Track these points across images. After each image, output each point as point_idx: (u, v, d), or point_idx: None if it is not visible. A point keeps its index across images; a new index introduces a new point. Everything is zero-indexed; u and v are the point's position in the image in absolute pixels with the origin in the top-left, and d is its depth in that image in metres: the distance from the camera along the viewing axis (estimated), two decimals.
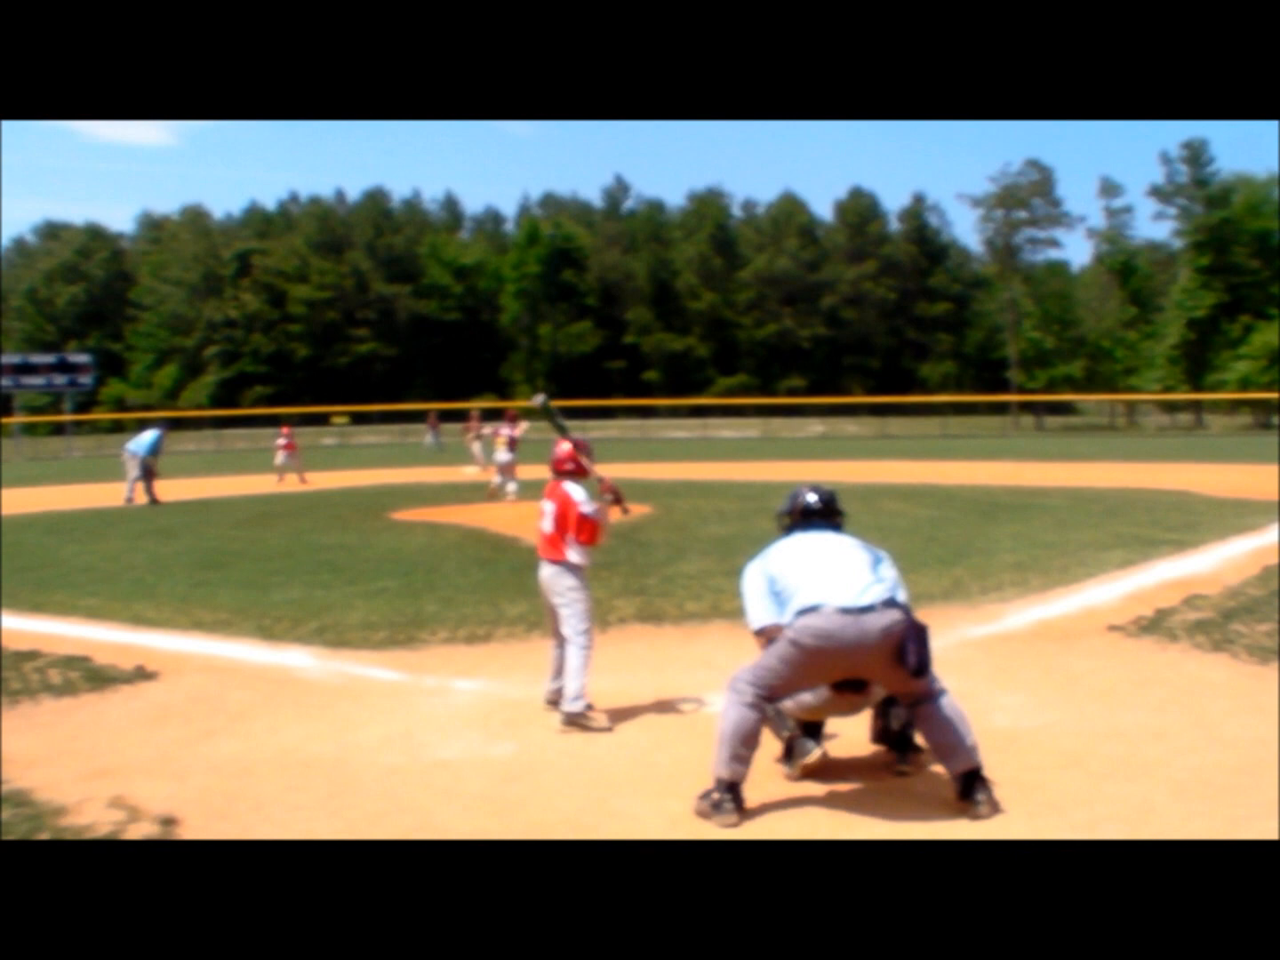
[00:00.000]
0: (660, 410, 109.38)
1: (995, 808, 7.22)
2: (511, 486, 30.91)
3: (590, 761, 8.57)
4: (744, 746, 7.34)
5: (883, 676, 7.43)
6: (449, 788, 8.00)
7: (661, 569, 17.44)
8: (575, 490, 9.86)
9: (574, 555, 9.77)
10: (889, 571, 7.72)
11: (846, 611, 7.23)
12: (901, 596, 7.63)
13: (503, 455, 31.65)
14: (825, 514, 8.10)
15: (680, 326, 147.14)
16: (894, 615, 7.26)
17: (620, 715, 9.69)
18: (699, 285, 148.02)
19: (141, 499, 33.11)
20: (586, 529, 9.75)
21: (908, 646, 7.20)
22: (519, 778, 8.21)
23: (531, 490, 28.40)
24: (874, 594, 7.34)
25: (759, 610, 7.74)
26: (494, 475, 32.42)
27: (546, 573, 9.87)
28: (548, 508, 9.94)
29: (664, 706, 10.02)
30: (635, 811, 7.40)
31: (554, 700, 9.82)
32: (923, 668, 7.26)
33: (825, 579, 7.43)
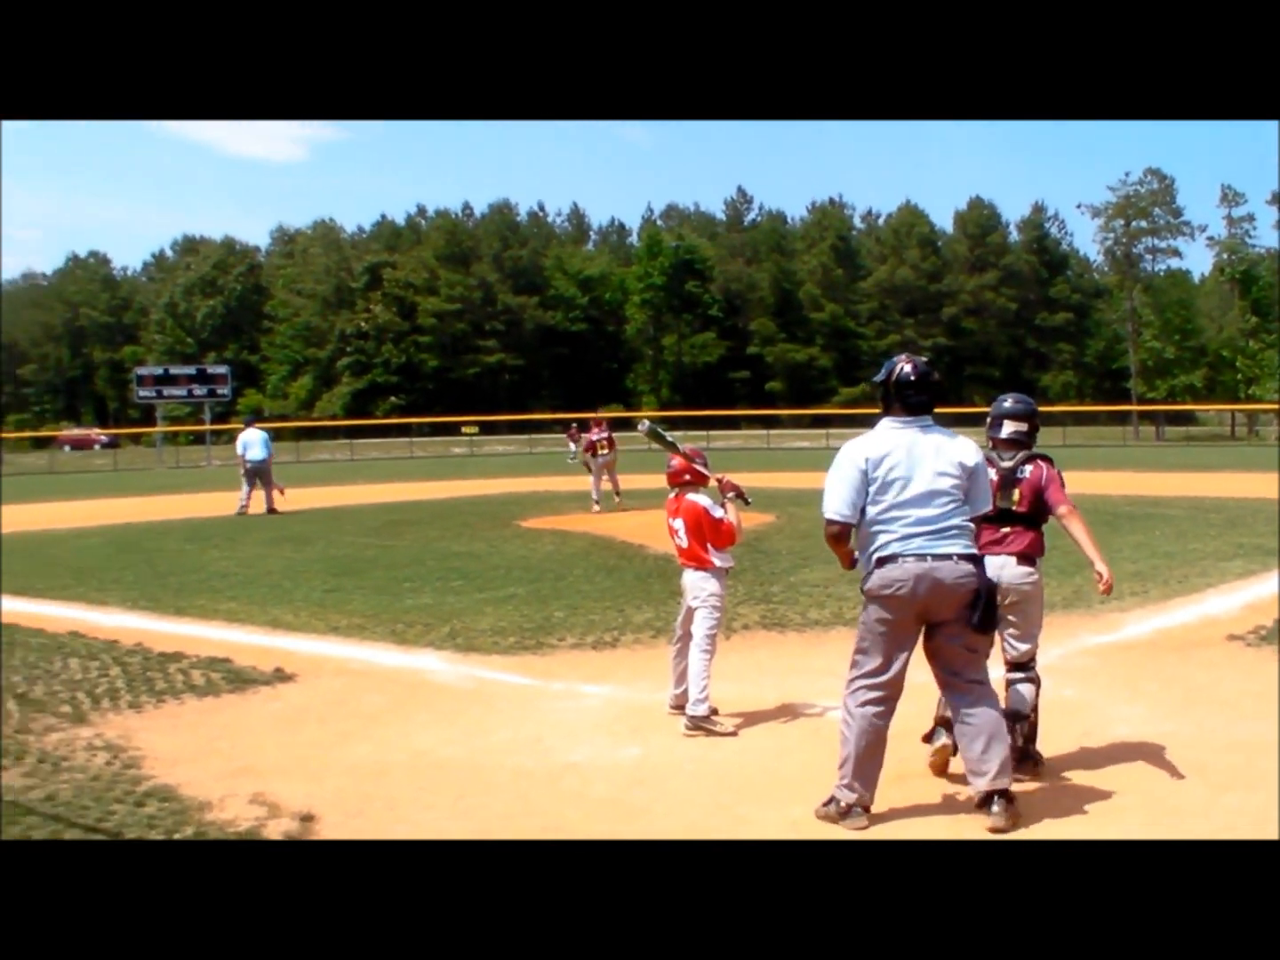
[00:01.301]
0: (783, 420, 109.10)
1: (1011, 820, 7.13)
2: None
3: (714, 767, 8.61)
4: (869, 764, 7.30)
5: (945, 628, 7.32)
6: (577, 791, 8.08)
7: (785, 577, 17.43)
8: (700, 498, 9.92)
9: (718, 560, 9.84)
10: (979, 489, 7.52)
11: (921, 558, 7.16)
12: (982, 508, 7.56)
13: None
14: (922, 388, 7.50)
15: (803, 337, 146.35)
16: (967, 569, 7.20)
17: (744, 721, 9.72)
18: (821, 296, 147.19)
19: (259, 507, 32.50)
20: (724, 533, 9.83)
21: (978, 603, 7.21)
22: (645, 782, 8.27)
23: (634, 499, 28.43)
24: (954, 545, 7.22)
25: (841, 499, 7.41)
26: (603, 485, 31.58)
27: (692, 577, 9.91)
28: (677, 524, 9.98)
29: (787, 713, 10.03)
30: (759, 817, 7.42)
31: (679, 705, 9.87)
32: (986, 624, 7.28)
33: (910, 513, 7.24)
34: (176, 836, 7.25)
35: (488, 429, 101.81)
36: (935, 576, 7.15)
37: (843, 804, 7.25)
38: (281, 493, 32.91)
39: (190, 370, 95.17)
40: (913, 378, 7.51)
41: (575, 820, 7.42)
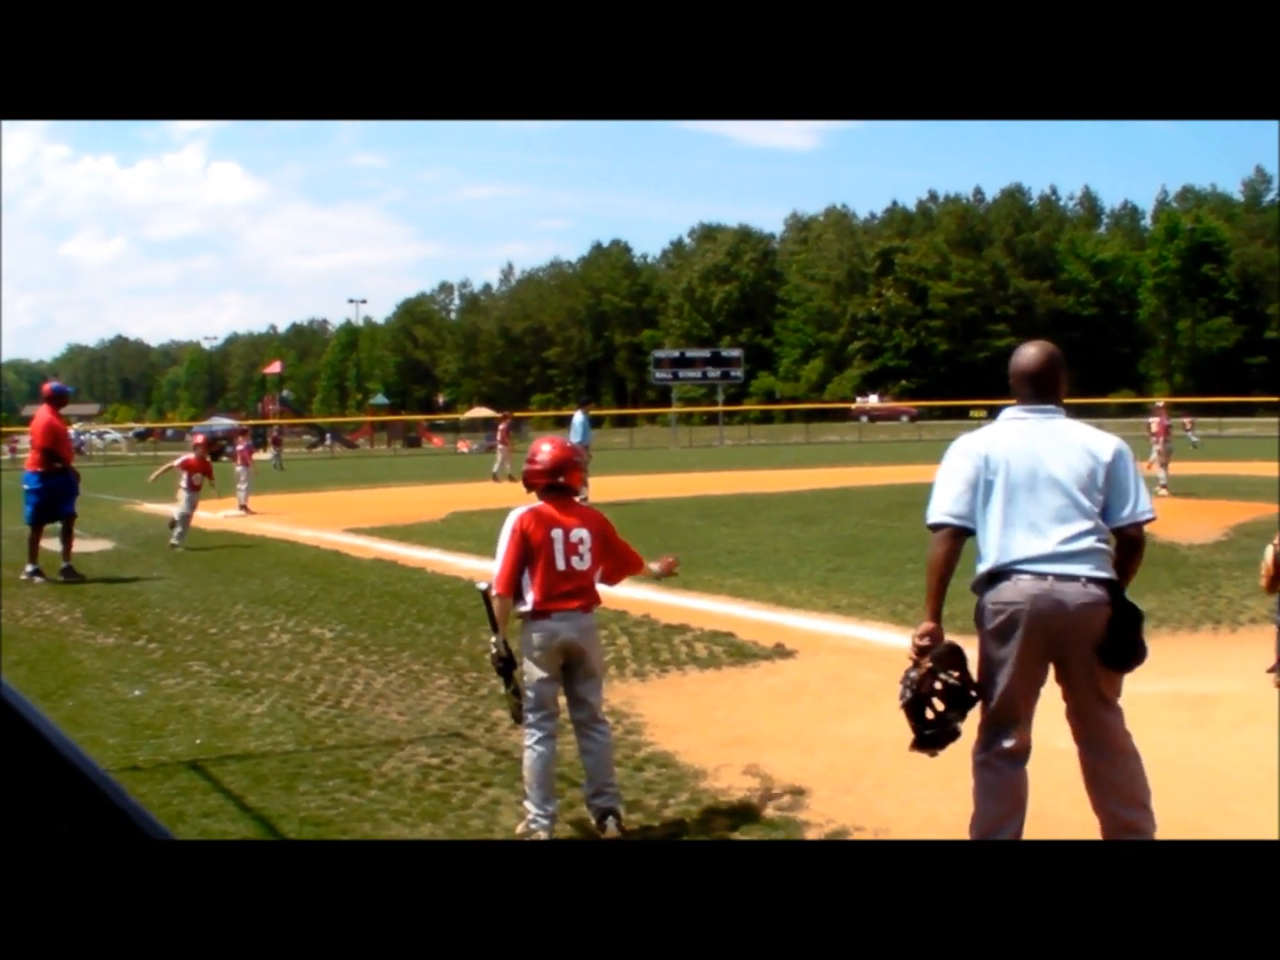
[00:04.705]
0: None
1: None
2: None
3: (1210, 763, 8.21)
4: None
5: None
6: (1060, 777, 7.85)
7: None
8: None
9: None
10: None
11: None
12: None
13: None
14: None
15: None
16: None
17: (1246, 719, 9.20)
18: None
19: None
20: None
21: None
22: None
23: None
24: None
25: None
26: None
27: None
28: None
29: None
30: (1252, 814, 7.03)
31: None
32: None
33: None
34: (667, 813, 7.46)
35: (996, 413, 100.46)
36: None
37: None
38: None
39: (705, 353, 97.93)
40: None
41: (1054, 807, 7.24)
